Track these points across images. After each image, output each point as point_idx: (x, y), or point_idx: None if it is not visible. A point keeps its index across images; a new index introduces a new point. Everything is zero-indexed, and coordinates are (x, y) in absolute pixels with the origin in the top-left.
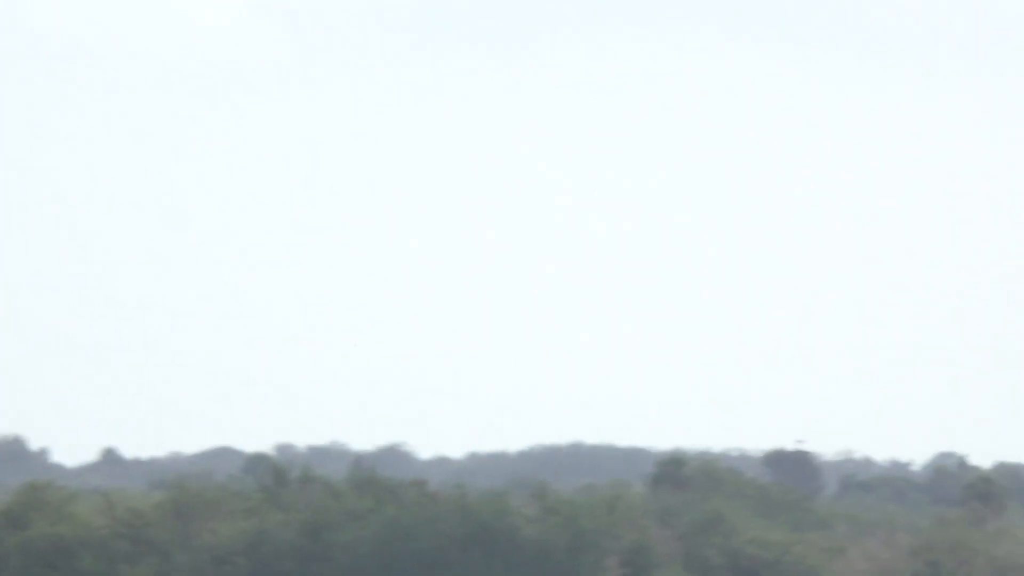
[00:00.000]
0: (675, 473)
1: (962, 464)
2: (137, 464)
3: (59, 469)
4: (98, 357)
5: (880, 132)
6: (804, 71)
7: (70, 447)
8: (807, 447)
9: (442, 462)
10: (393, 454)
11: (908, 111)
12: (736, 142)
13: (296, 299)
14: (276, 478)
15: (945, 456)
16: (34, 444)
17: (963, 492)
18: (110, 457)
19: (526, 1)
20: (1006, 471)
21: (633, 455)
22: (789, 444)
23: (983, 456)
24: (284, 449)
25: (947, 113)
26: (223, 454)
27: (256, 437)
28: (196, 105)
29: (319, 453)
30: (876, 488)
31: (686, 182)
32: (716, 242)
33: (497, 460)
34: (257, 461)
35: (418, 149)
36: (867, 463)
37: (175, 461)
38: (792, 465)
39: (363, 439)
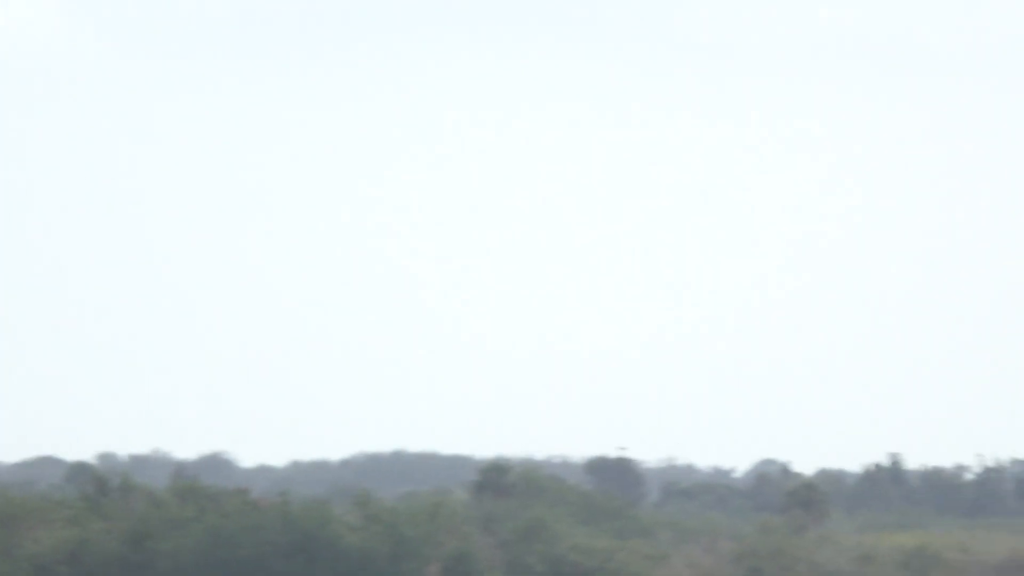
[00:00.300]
0: (497, 480)
1: (784, 471)
2: None
3: None
4: None
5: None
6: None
7: None
8: (629, 454)
9: (265, 471)
10: (215, 463)
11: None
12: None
13: (113, 309)
14: (98, 487)
15: (767, 463)
16: None
17: (785, 499)
18: None
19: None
20: (828, 477)
21: (455, 463)
22: (611, 451)
23: (805, 463)
24: (106, 458)
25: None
26: (45, 463)
27: (78, 446)
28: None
29: (141, 462)
30: (698, 495)
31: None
32: (542, 247)
33: (319, 468)
34: (79, 470)
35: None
36: (689, 470)
37: None
38: (614, 472)
39: (185, 448)
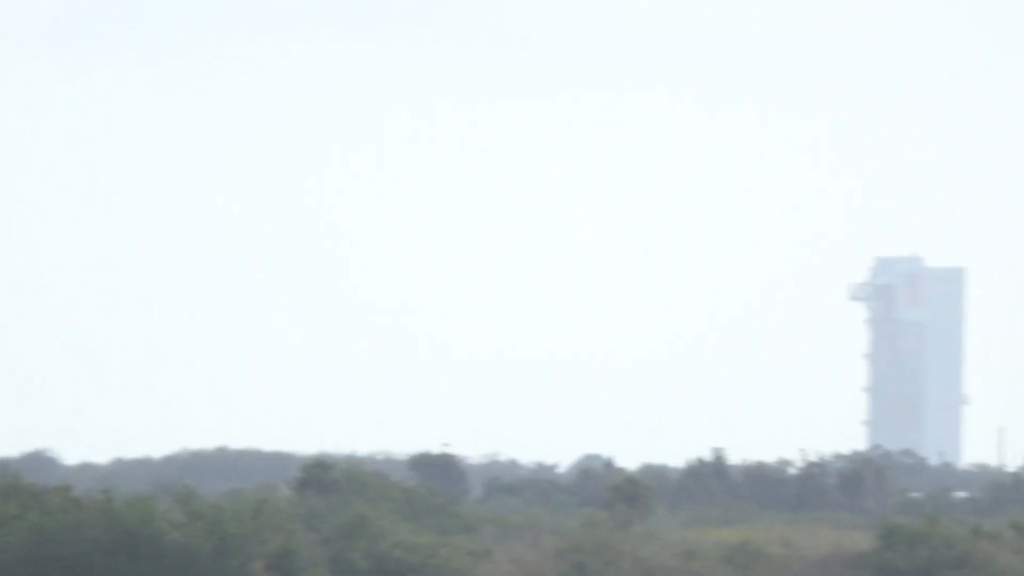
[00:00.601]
0: (320, 477)
1: (608, 466)
2: None
3: None
4: None
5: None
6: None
7: None
8: (453, 451)
9: (88, 468)
10: (38, 460)
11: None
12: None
13: None
14: None
15: (591, 458)
16: None
17: (609, 494)
18: None
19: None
20: (652, 472)
21: (278, 460)
22: (435, 448)
23: (629, 458)
24: None
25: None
26: None
27: None
28: None
29: None
30: (522, 491)
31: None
32: (366, 248)
33: (142, 465)
34: None
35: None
36: (513, 465)
37: None
38: (438, 469)
39: (7, 446)
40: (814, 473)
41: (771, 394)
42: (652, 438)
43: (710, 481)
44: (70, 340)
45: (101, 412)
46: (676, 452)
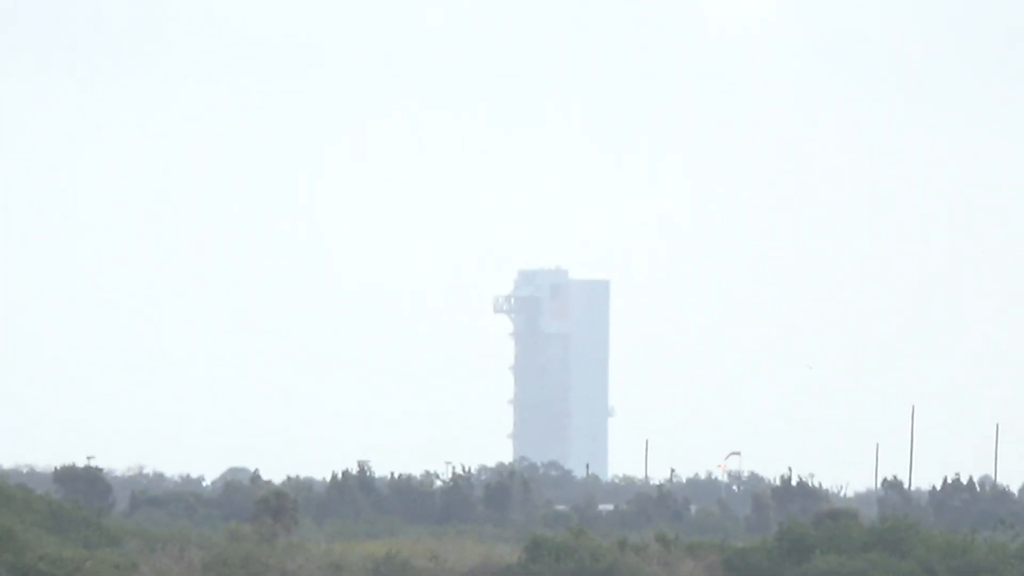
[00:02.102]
0: None
1: (254, 479)
2: None
3: None
4: None
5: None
6: None
7: None
8: (97, 463)
9: None
10: None
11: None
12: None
13: None
14: None
15: (236, 471)
16: None
17: (255, 507)
18: None
19: None
20: (297, 485)
21: None
22: (79, 460)
23: (274, 471)
24: None
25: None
26: None
27: None
28: None
29: None
30: (167, 503)
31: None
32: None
33: None
34: None
35: None
36: (159, 478)
37: None
38: (83, 481)
39: None
40: (460, 485)
41: (417, 407)
42: (297, 450)
43: (356, 494)
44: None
45: None
46: (322, 465)
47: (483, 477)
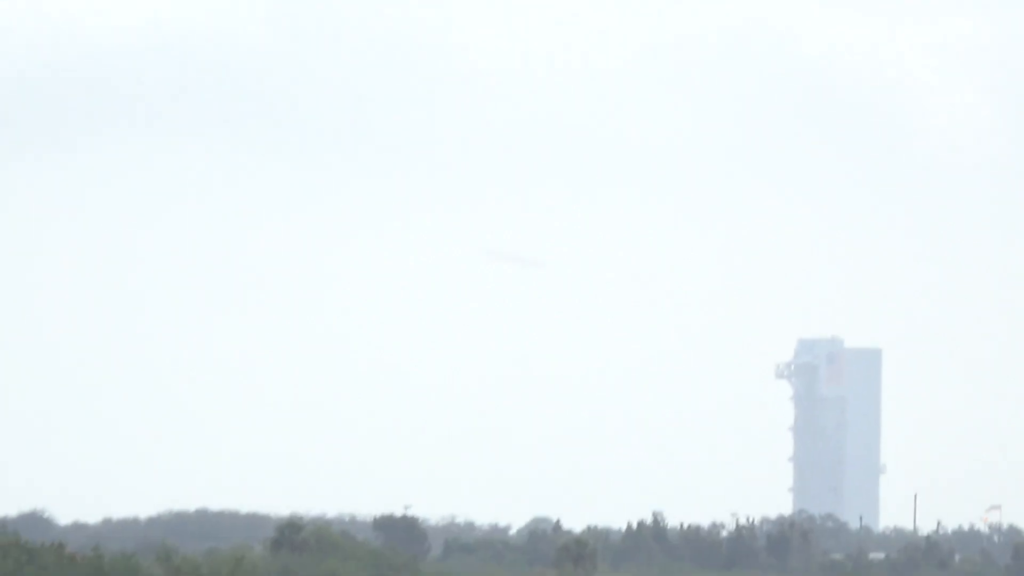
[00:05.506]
0: (293, 537)
1: (556, 527)
2: None
3: None
4: None
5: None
6: None
7: None
8: (414, 512)
9: (79, 527)
10: (34, 520)
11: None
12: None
13: None
14: None
15: (540, 520)
16: None
17: (557, 553)
18: None
19: None
20: (596, 534)
21: (254, 521)
22: (397, 509)
23: (574, 520)
24: None
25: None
26: None
27: None
28: None
29: None
30: (477, 550)
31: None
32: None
33: (130, 525)
34: None
35: None
36: (469, 527)
37: None
38: (400, 529)
39: (5, 506)
40: (744, 536)
41: (706, 464)
42: (596, 502)
43: (649, 542)
44: (62, 407)
45: (92, 475)
46: (618, 515)
47: (765, 528)
